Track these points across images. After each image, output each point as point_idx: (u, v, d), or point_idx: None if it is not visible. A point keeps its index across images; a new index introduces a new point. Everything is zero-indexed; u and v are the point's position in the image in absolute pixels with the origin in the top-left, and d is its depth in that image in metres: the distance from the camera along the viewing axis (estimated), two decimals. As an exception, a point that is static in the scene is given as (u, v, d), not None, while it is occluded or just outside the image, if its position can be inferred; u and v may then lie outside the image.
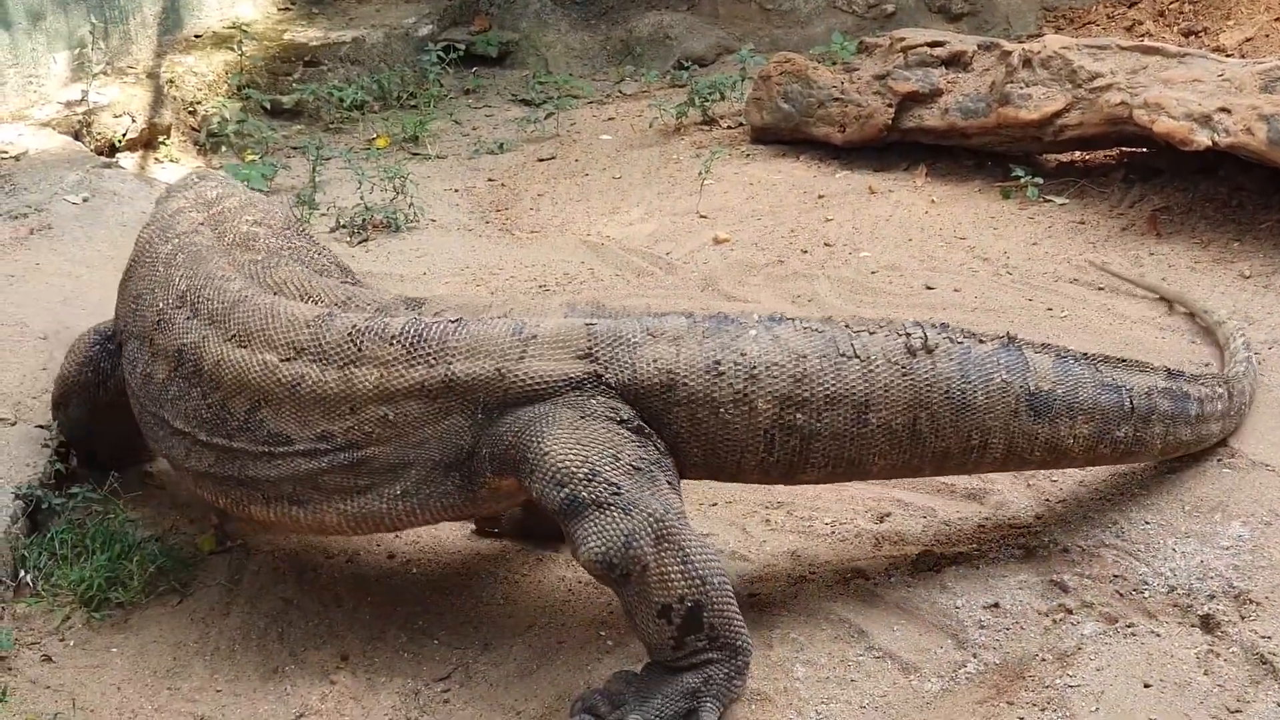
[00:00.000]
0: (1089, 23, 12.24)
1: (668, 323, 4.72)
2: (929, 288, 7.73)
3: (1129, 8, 12.35)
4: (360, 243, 8.89)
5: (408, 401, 4.65)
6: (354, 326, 4.75)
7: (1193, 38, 11.51)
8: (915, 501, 5.57)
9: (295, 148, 10.90)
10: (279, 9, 13.26)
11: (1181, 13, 12.04)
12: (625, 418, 4.55)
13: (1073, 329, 7.06)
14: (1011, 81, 9.09)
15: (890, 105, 9.61)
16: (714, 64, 12.81)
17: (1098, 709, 4.40)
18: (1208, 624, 4.72)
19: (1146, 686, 4.47)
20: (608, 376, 4.58)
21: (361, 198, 9.23)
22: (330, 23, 13.01)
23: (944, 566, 5.16)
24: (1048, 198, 8.86)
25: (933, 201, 9.04)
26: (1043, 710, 4.43)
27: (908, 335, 4.76)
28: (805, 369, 4.64)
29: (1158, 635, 4.69)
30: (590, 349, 4.61)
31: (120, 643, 5.04)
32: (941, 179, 9.40)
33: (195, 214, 5.59)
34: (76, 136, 9.98)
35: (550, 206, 9.66)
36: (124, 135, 10.35)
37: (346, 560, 5.43)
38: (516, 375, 4.58)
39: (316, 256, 5.56)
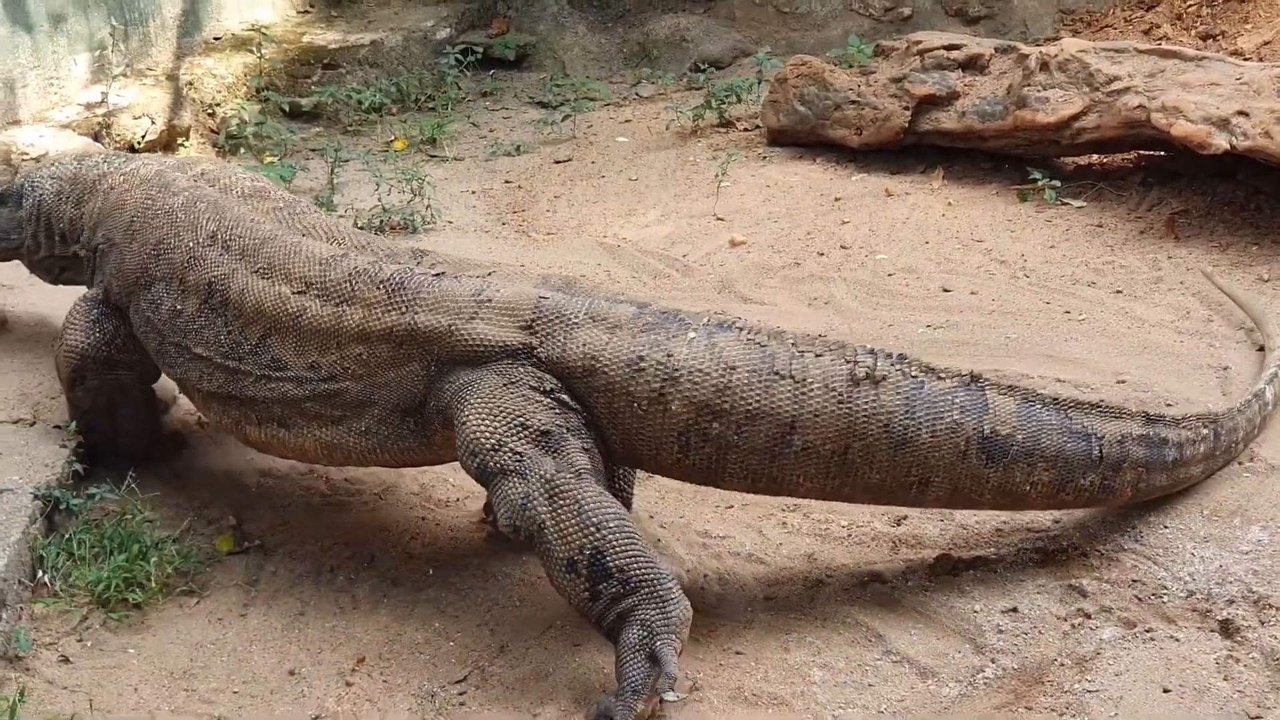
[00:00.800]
0: (1106, 26, 12.22)
1: (615, 309, 4.85)
2: (946, 290, 7.73)
3: (1146, 11, 12.32)
4: (377, 244, 8.89)
5: (380, 344, 4.98)
6: (354, 268, 5.12)
7: (1210, 41, 11.48)
8: (932, 505, 5.56)
9: (314, 150, 10.91)
10: (298, 12, 13.27)
11: (1199, 16, 12.01)
12: (549, 388, 4.73)
13: (1090, 332, 7.05)
14: (1029, 84, 9.08)
15: (907, 108, 9.60)
16: (730, 66, 12.80)
17: (1116, 714, 4.40)
18: (1227, 629, 4.71)
19: (1165, 691, 4.47)
20: (540, 351, 4.80)
21: (379, 199, 9.24)
22: (349, 26, 13.02)
23: (962, 570, 5.16)
24: (1065, 201, 8.84)
25: (949, 204, 9.03)
26: (1061, 715, 4.43)
27: (855, 363, 4.73)
28: (731, 381, 4.68)
29: (1177, 640, 4.69)
30: (532, 321, 4.82)
31: (137, 643, 5.04)
32: (958, 182, 9.38)
33: (180, 173, 5.92)
34: (96, 138, 10.00)
35: (567, 208, 9.66)
36: (143, 137, 10.37)
37: (364, 562, 5.43)
38: (463, 334, 4.85)
39: (318, 208, 5.92)
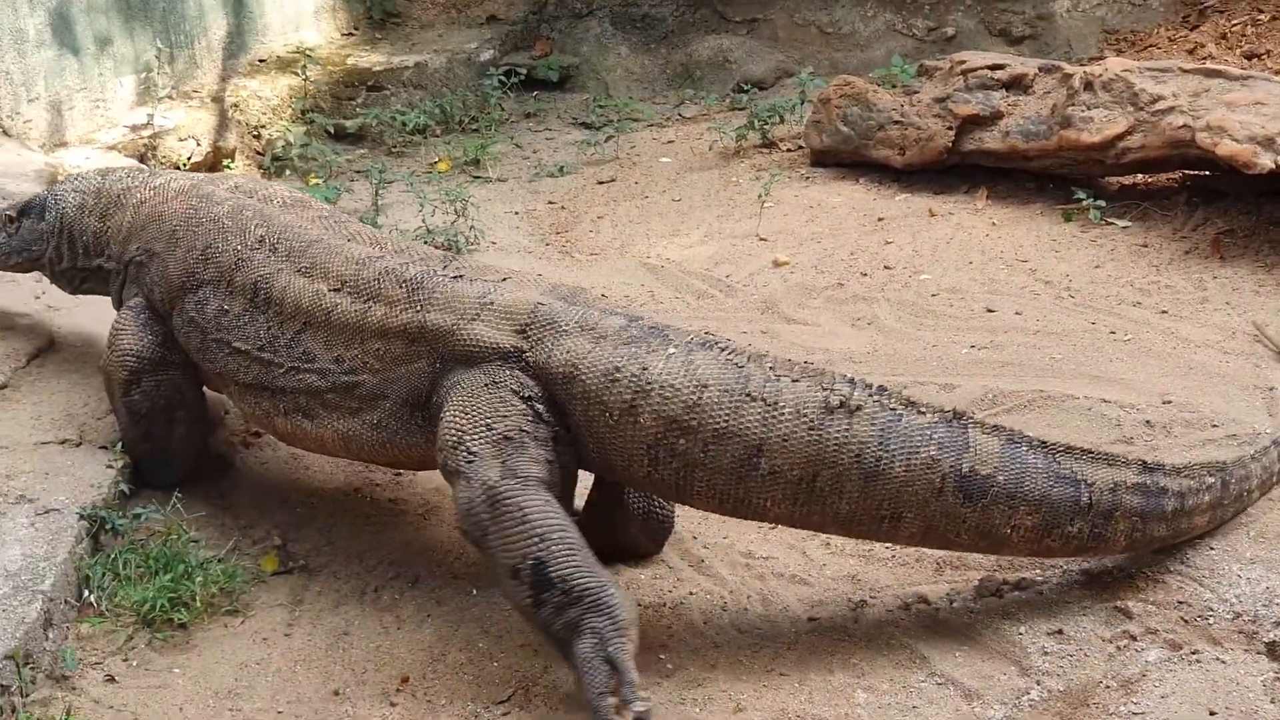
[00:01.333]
0: (1150, 45, 12.19)
1: (606, 320, 4.93)
2: (990, 310, 7.71)
3: (1191, 30, 12.30)
4: (421, 265, 8.93)
5: (396, 339, 5.15)
6: (385, 267, 5.31)
7: (1255, 60, 11.44)
8: (977, 526, 5.53)
9: (358, 171, 10.95)
10: (343, 34, 13.34)
11: (1244, 35, 11.97)
12: (529, 394, 4.84)
13: (1136, 353, 7.03)
14: (1073, 104, 9.06)
15: (950, 128, 9.60)
16: (773, 87, 12.82)
17: (1162, 736, 4.37)
18: (1274, 651, 4.67)
19: (1212, 714, 4.43)
20: (529, 355, 4.89)
21: (423, 221, 9.27)
22: (393, 48, 13.09)
23: (1007, 592, 5.13)
24: (1110, 220, 8.82)
25: (993, 224, 9.01)
26: (1106, 737, 4.41)
27: (830, 390, 4.68)
28: (702, 399, 4.68)
29: (1223, 662, 4.65)
30: (526, 326, 4.95)
31: (183, 663, 5.06)
32: (1002, 202, 9.37)
33: (216, 186, 6.11)
34: (142, 160, 10.08)
35: (610, 229, 9.68)
36: (189, 159, 10.44)
37: (408, 583, 5.44)
38: (463, 333, 4.99)
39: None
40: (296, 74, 11.92)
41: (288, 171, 10.92)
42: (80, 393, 6.40)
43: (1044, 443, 4.78)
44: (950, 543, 4.82)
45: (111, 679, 4.94)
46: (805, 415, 4.64)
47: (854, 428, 4.63)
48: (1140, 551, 5.09)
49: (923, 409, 4.71)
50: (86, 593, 5.25)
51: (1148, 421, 6.21)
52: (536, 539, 4.60)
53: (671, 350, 4.79)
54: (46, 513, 5.40)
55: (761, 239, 9.14)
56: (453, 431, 4.82)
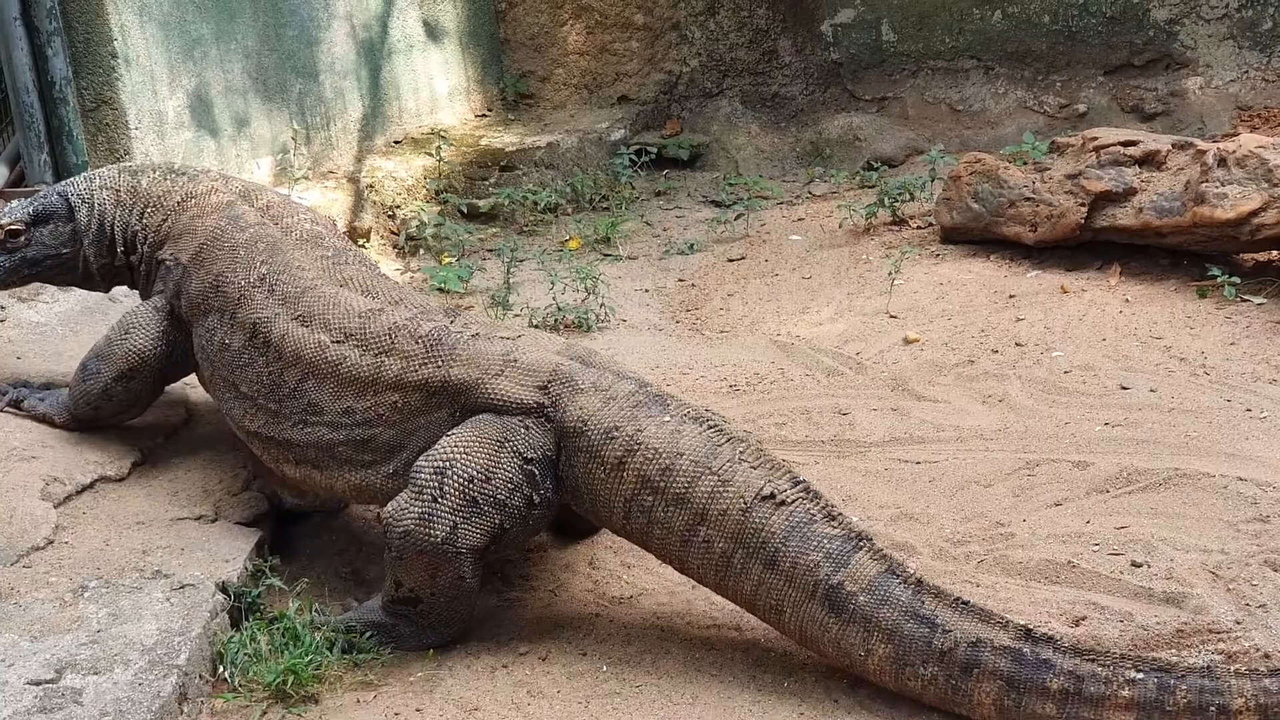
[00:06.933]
0: (1285, 121, 12.07)
1: (618, 385, 5.34)
2: (1124, 388, 7.64)
3: (1327, 105, 12.16)
4: (552, 343, 8.99)
5: (414, 392, 5.48)
6: (394, 323, 5.64)
7: (1394, 135, 11.29)
8: (1112, 605, 5.47)
9: (490, 250, 11.06)
10: (476, 115, 13.51)
11: (1381, 111, 11.84)
12: (532, 456, 5.27)
13: (1273, 430, 6.93)
14: (1206, 180, 8.99)
15: (1083, 204, 9.54)
16: (903, 165, 12.81)
17: (1303, 822, 4.28)
18: None
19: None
20: (549, 410, 5.29)
21: (554, 298, 9.35)
22: (525, 128, 13.23)
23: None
24: (1245, 297, 8.72)
25: (1127, 301, 8.94)
26: (1245, 822, 4.32)
27: (770, 481, 4.98)
28: (675, 464, 5.08)
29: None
30: (547, 383, 5.33)
31: (315, 737, 5.10)
32: (1136, 278, 9.29)
33: (248, 205, 6.36)
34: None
35: (740, 306, 9.70)
36: (325, 238, 10.57)
37: (538, 659, 5.46)
38: (488, 388, 5.36)
39: (365, 259, 6.36)
40: (430, 154, 12.08)
41: (421, 251, 11.05)
42: (215, 469, 6.49)
43: (921, 581, 4.83)
44: (821, 650, 4.99)
45: (245, 753, 5.00)
46: (743, 497, 4.97)
47: (771, 519, 4.93)
48: None
49: (837, 522, 4.94)
50: (220, 668, 5.31)
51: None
52: (428, 589, 5.35)
53: (666, 418, 5.18)
54: (182, 588, 5.48)
55: (892, 316, 9.13)
56: (442, 458, 5.24)
